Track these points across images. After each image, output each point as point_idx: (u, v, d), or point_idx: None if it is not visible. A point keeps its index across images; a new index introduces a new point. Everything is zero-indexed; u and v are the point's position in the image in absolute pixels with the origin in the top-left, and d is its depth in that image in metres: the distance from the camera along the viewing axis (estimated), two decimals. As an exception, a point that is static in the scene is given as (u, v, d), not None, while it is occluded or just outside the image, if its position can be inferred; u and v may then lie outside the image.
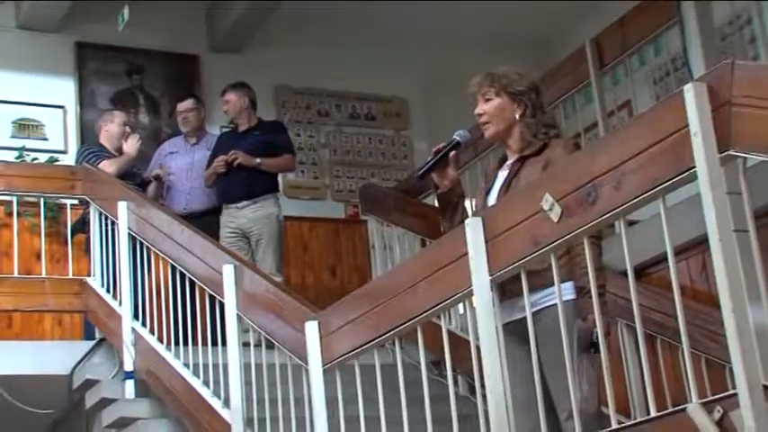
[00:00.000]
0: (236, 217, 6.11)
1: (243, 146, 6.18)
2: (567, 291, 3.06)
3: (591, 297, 2.68)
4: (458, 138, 3.32)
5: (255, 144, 6.22)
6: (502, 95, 3.32)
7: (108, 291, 5.66)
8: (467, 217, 3.27)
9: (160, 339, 5.10)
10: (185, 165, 6.44)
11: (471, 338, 2.97)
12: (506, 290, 3.02)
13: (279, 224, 6.18)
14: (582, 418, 2.73)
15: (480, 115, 3.35)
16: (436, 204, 3.61)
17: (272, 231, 6.11)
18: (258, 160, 6.14)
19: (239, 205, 6.12)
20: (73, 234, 6.13)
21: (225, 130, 6.75)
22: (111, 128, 6.37)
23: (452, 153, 3.30)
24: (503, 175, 3.36)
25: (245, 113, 6.35)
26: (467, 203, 3.40)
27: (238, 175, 6.11)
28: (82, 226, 6.09)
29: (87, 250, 6.04)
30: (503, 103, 3.32)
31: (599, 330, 2.69)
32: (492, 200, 3.32)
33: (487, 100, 3.33)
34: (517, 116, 3.32)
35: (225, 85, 6.45)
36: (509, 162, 3.36)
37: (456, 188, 3.34)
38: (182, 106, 6.62)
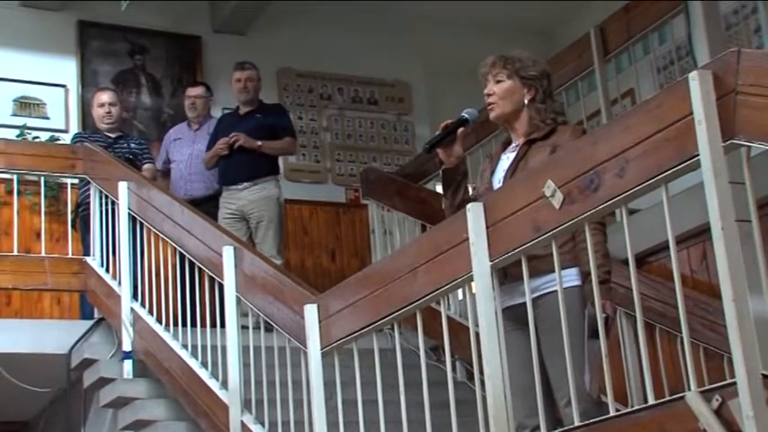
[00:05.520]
0: (237, 198, 6.08)
1: (244, 128, 6.15)
2: (571, 277, 3.07)
3: (600, 284, 2.67)
4: (466, 115, 3.32)
5: (256, 126, 6.18)
6: (513, 78, 3.31)
7: (107, 271, 5.66)
8: (469, 196, 3.27)
9: (159, 320, 5.09)
10: (187, 151, 6.44)
11: (470, 324, 2.97)
12: (508, 273, 3.02)
13: (279, 206, 6.16)
14: (582, 405, 2.73)
15: (489, 95, 3.34)
16: (438, 189, 3.60)
17: (273, 213, 6.09)
18: (259, 143, 6.11)
19: (239, 187, 6.09)
20: None
21: (226, 111, 6.72)
22: (94, 111, 6.36)
23: (460, 130, 3.30)
24: (508, 158, 3.35)
25: (257, 96, 6.34)
26: (469, 185, 3.40)
27: (239, 157, 6.08)
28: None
29: (86, 230, 6.03)
30: (513, 86, 3.31)
31: (598, 316, 2.69)
32: (497, 182, 3.32)
33: (498, 81, 3.33)
34: (526, 100, 3.31)
35: (232, 64, 6.40)
36: (515, 145, 3.36)
37: (460, 166, 3.34)
38: (192, 91, 6.60)
